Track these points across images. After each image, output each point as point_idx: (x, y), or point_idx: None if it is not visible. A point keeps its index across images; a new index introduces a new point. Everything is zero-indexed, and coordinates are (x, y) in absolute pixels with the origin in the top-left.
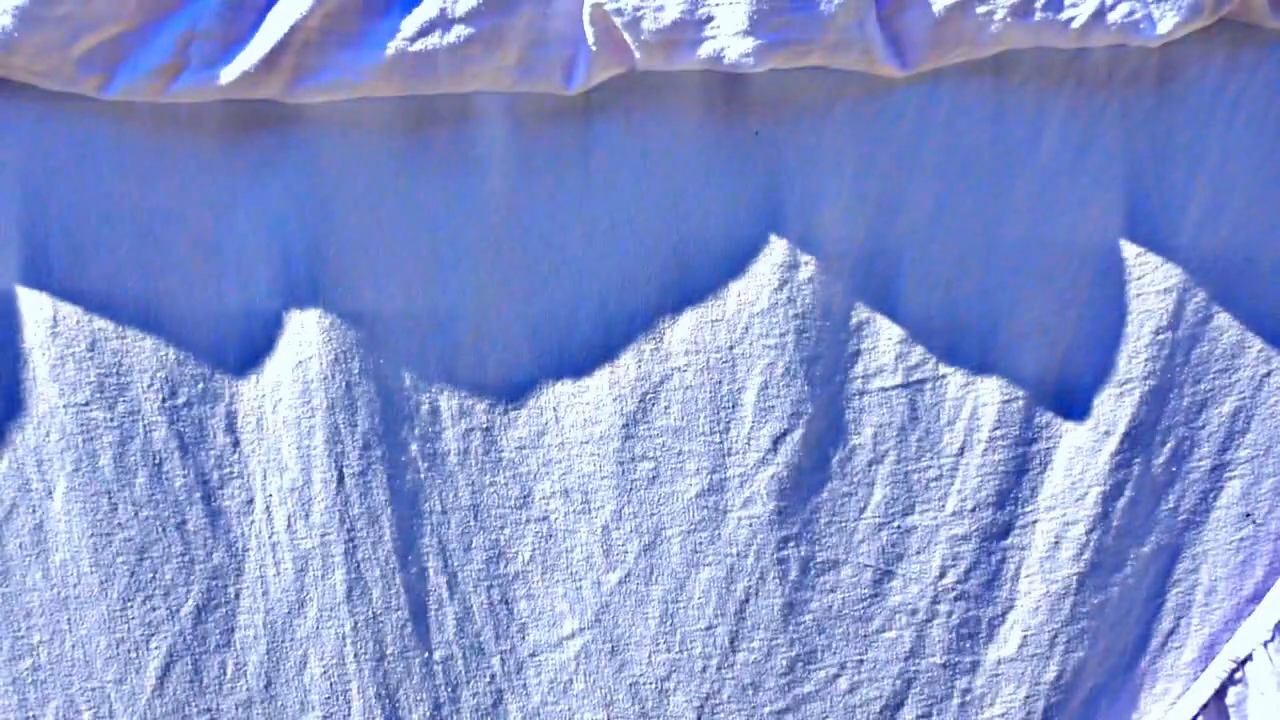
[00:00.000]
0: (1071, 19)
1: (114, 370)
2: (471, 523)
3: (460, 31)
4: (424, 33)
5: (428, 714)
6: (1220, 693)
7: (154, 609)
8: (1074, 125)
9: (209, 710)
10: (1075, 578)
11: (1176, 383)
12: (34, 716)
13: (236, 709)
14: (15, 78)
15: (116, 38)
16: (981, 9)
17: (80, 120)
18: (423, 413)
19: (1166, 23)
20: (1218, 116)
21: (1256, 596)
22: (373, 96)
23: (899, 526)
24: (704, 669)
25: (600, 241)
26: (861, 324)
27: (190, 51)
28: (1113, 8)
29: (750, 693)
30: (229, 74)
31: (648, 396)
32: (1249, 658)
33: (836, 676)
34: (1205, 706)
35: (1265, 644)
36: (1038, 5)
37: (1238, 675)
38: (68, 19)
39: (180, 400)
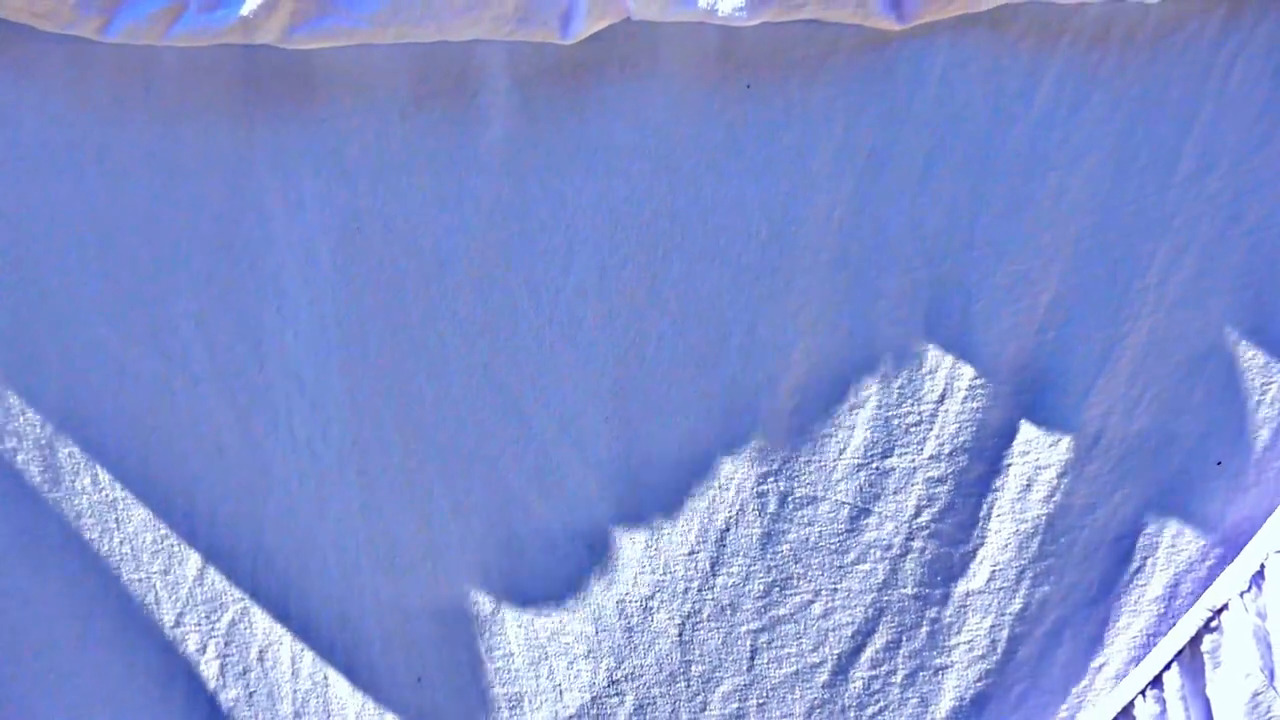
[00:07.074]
0: None
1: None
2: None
3: None
4: None
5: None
6: (1196, 640)
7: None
8: (1068, 82)
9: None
10: (1044, 518)
11: (1158, 338)
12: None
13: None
14: (14, 19)
15: None
16: None
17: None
18: (430, 346)
19: None
20: (1213, 74)
21: (1224, 540)
22: (371, 44)
23: (877, 468)
24: (685, 590)
25: (595, 189)
26: (849, 274)
27: None
28: None
29: (729, 613)
30: (228, 19)
31: (639, 339)
32: (1225, 606)
33: (810, 602)
34: (1181, 653)
35: (1242, 594)
36: None
37: (1214, 624)
38: None
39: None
